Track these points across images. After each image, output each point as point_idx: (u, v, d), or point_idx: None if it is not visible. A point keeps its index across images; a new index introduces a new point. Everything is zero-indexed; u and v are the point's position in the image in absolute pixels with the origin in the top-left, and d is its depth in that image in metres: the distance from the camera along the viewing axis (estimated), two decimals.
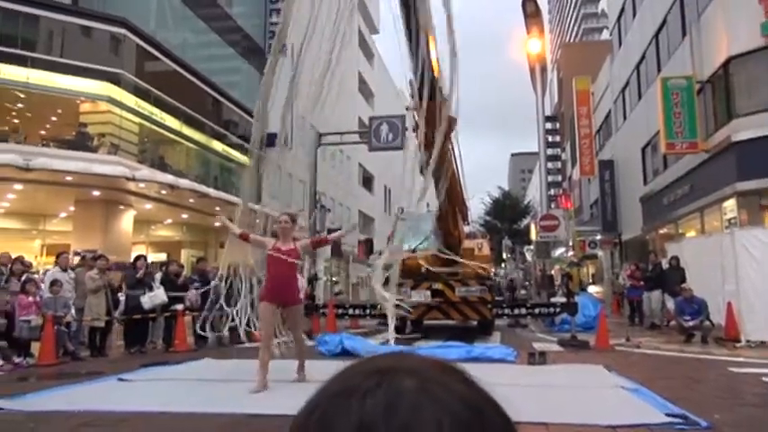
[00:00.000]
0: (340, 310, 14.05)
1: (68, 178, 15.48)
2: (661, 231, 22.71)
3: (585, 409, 5.32)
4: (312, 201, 21.76)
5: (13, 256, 10.44)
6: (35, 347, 9.33)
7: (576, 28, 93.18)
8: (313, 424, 0.48)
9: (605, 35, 49.15)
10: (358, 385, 0.49)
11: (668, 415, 4.86)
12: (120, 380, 7.22)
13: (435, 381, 0.49)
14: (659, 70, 21.42)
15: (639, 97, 24.94)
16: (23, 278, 9.79)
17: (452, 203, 13.19)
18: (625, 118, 28.08)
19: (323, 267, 26.26)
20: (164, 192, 17.75)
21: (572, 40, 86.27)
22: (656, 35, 22.49)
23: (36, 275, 11.05)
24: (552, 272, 26.78)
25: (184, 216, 21.81)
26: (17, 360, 8.80)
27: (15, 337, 9.10)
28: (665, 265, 14.54)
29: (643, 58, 24.36)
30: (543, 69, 25.39)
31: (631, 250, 27.38)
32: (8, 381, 7.41)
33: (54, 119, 19.47)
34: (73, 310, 10.11)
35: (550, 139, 50.27)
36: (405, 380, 0.49)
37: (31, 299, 9.38)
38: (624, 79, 27.63)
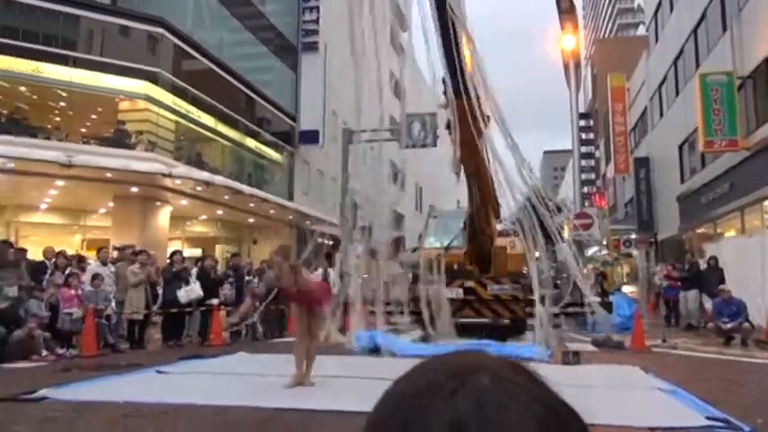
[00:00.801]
0: (372, 307, 14.09)
1: (108, 175, 15.85)
2: (699, 231, 22.22)
3: (622, 410, 5.24)
4: (343, 198, 21.83)
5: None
6: (77, 339, 9.63)
7: (610, 23, 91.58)
8: (398, 423, 0.48)
9: (641, 30, 48.25)
10: (442, 385, 0.49)
11: (709, 418, 4.76)
12: (159, 372, 7.38)
13: (511, 380, 0.50)
14: (698, 66, 20.94)
15: (677, 94, 24.42)
16: (67, 271, 10.09)
17: (485, 201, 13.14)
18: (662, 115, 27.53)
19: (354, 264, 26.30)
20: (199, 188, 18.04)
21: (607, 36, 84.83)
22: (695, 30, 21.98)
23: (89, 264, 11.32)
24: (586, 271, 26.41)
25: (219, 212, 22.15)
26: (60, 351, 9.08)
27: (59, 329, 9.40)
28: (702, 265, 14.25)
29: (681, 53, 23.84)
30: (577, 66, 25.08)
31: (667, 250, 26.86)
32: (52, 371, 7.64)
33: (94, 117, 19.96)
34: (113, 303, 10.39)
35: (584, 136, 49.61)
36: (486, 379, 0.49)
37: (72, 292, 9.67)
38: (661, 75, 27.08)
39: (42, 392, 5.73)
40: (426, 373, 0.52)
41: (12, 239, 14.71)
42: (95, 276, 10.19)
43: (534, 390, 0.50)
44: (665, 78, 26.59)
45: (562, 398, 0.52)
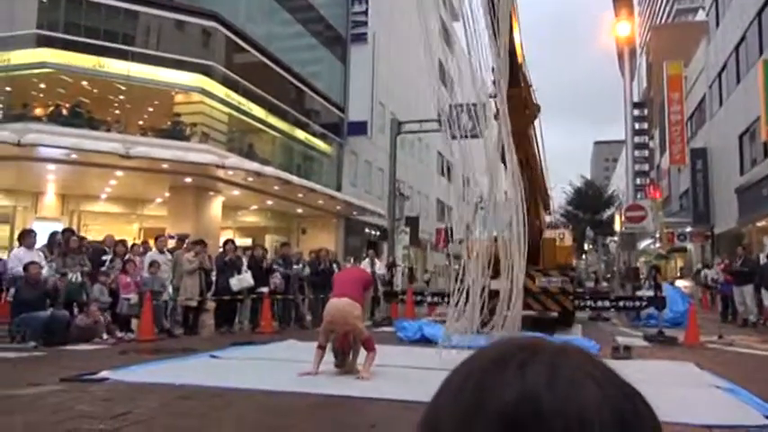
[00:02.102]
0: (418, 297, 14.16)
1: (164, 166, 16.34)
2: (759, 224, 21.35)
3: (677, 406, 5.11)
4: (391, 189, 21.92)
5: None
6: (135, 324, 10.03)
7: (667, 9, 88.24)
8: (471, 388, 0.48)
9: (700, 16, 46.38)
10: (513, 356, 0.49)
11: None
12: (212, 357, 7.61)
13: (581, 359, 0.50)
14: (761, 52, 20.04)
15: (738, 81, 23.44)
16: (126, 258, 10.51)
17: (534, 192, 12.98)
18: (721, 104, 26.49)
19: (401, 255, 26.45)
20: (250, 179, 18.39)
21: (663, 22, 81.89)
22: (759, 14, 21.02)
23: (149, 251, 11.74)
24: (637, 264, 25.80)
25: (269, 202, 22.54)
26: (120, 334, 9.47)
27: (118, 314, 9.82)
28: (762, 259, 13.72)
29: (743, 39, 22.85)
30: (632, 53, 24.38)
31: (725, 244, 25.91)
32: (112, 354, 7.97)
33: (151, 109, 20.61)
34: (170, 290, 10.76)
35: (637, 126, 48.16)
36: (556, 355, 0.49)
37: (129, 279, 10.07)
38: (721, 62, 26.03)
39: (103, 374, 6.00)
40: (496, 348, 0.52)
41: (74, 228, 15.40)
42: (152, 263, 10.57)
43: (605, 371, 0.50)
44: (725, 65, 25.55)
45: (635, 387, 0.51)
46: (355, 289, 6.59)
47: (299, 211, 24.58)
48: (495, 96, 10.77)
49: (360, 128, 28.37)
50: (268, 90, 22.35)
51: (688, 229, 28.52)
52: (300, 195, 21.50)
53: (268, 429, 4.21)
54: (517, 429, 0.45)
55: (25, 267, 8.80)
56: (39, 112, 18.50)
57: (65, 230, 11.06)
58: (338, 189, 26.17)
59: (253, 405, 5.04)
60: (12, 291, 9.09)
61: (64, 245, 9.90)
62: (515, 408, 0.45)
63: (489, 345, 0.53)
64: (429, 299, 14.15)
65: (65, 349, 8.26)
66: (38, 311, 8.54)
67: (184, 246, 11.72)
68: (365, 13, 28.99)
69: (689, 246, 29.67)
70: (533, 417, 0.45)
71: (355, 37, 29.10)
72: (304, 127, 25.88)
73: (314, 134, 26.74)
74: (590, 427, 0.44)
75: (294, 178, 20.35)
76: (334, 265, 13.78)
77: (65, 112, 18.19)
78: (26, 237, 9.58)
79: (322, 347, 6.39)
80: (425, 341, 9.44)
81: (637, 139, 44.93)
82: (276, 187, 19.86)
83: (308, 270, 13.04)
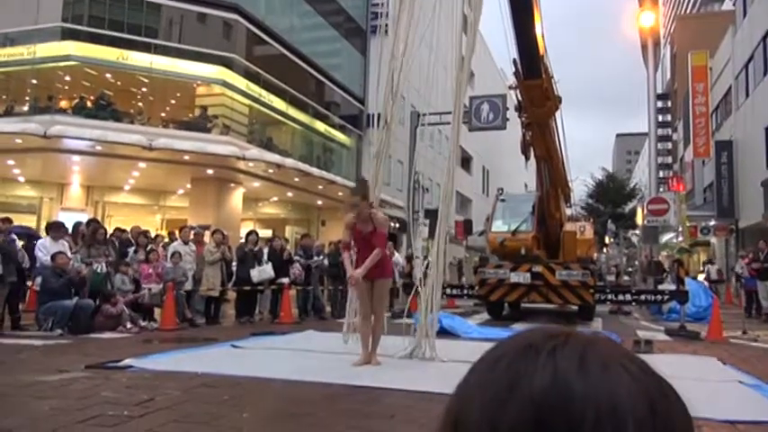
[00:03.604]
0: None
1: (186, 157, 16.51)
2: None
3: (700, 401, 5.03)
4: (410, 181, 21.88)
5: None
6: (158, 313, 10.19)
7: None
8: (501, 373, 0.48)
9: (726, 5, 45.43)
10: (544, 343, 0.49)
11: None
12: (233, 346, 7.70)
13: (611, 347, 0.49)
14: None
15: (765, 72, 22.96)
16: (148, 248, 10.68)
17: (554, 185, 12.90)
18: (747, 95, 25.97)
19: (420, 246, 26.42)
20: (270, 171, 18.51)
21: (688, 12, 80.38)
22: None
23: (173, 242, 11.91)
24: (660, 258, 25.50)
25: (289, 194, 22.67)
26: (143, 324, 9.63)
27: (140, 303, 9.98)
28: None
29: None
30: (656, 44, 23.99)
31: (750, 238, 25.48)
32: (136, 342, 8.11)
33: (173, 102, 20.82)
34: (191, 280, 10.90)
35: (661, 118, 47.46)
36: (586, 343, 0.49)
37: (151, 270, 10.22)
38: (748, 53, 25.51)
39: (127, 361, 6.11)
40: (526, 336, 0.51)
41: (99, 218, 15.64)
42: (174, 254, 10.72)
43: (637, 361, 0.49)
44: (752, 56, 25.04)
45: (667, 380, 0.50)
46: None
47: (319, 202, 24.69)
48: (515, 88, 10.71)
49: (379, 120, 28.34)
50: (288, 82, 22.44)
51: (712, 223, 28.08)
52: (320, 187, 21.59)
53: (288, 417, 4.27)
54: (548, 415, 0.44)
55: (52, 257, 8.98)
56: (64, 104, 18.81)
57: (90, 221, 11.25)
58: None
59: (272, 394, 5.10)
60: (38, 280, 9.28)
61: (89, 235, 10.07)
62: (547, 393, 0.45)
63: (518, 333, 0.53)
64: (448, 291, 14.15)
65: (89, 337, 8.43)
66: (63, 300, 8.72)
67: (196, 237, 11.88)
68: (385, 4, 28.89)
69: (712, 239, 29.23)
70: (565, 403, 0.44)
71: (375, 28, 29.03)
72: (324, 119, 25.94)
73: (333, 126, 26.80)
74: (622, 415, 0.44)
75: (314, 170, 20.43)
76: None
77: (89, 104, 18.45)
78: (54, 228, 9.75)
79: (347, 247, 6.57)
80: (444, 332, 9.45)
81: (660, 132, 44.29)
82: (296, 179, 19.97)
83: (327, 261, 13.12)
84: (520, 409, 0.45)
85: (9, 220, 9.48)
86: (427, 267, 7.35)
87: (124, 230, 11.71)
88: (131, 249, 10.81)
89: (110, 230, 11.61)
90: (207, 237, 12.14)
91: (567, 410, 0.44)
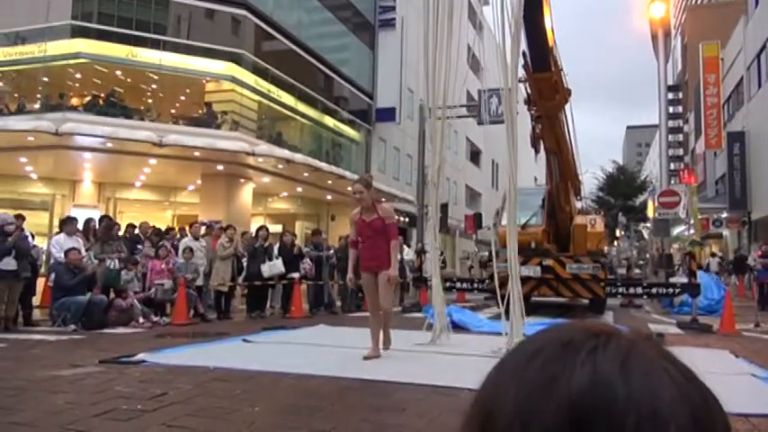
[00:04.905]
0: (447, 284, 14.16)
1: (196, 153, 16.57)
2: None
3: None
4: (420, 175, 21.88)
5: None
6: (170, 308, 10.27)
7: None
8: (537, 371, 0.46)
9: None
10: (584, 341, 0.47)
11: None
12: (245, 341, 7.75)
13: (656, 351, 0.48)
14: None
15: None
16: (160, 244, 10.75)
17: (565, 178, 12.85)
18: (760, 86, 25.71)
19: (430, 241, 26.41)
20: (280, 166, 18.54)
21: (699, 2, 79.56)
22: None
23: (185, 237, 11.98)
24: (671, 251, 25.35)
25: (299, 189, 22.69)
26: (155, 319, 9.72)
27: (152, 298, 10.06)
28: None
29: None
30: (666, 35, 23.76)
31: (762, 230, 25.28)
32: (148, 337, 8.19)
33: (183, 98, 20.89)
34: (202, 275, 10.98)
35: (671, 110, 47.10)
36: (629, 346, 0.47)
37: (164, 266, 10.30)
38: (760, 43, 25.23)
39: (140, 356, 6.17)
40: (563, 331, 0.49)
41: (110, 215, 15.76)
42: (185, 249, 10.80)
43: (678, 364, 0.48)
44: (764, 46, 24.77)
45: (700, 378, 0.49)
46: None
47: (329, 197, 24.71)
48: (524, 81, 10.66)
49: (388, 114, 28.30)
50: (297, 77, 22.45)
51: (724, 215, 27.87)
52: (329, 182, 21.60)
53: (299, 411, 4.30)
54: (586, 416, 0.43)
55: (65, 253, 9.07)
56: (75, 101, 18.92)
57: (102, 217, 11.35)
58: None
59: (284, 387, 5.13)
60: (53, 276, 9.38)
61: (102, 232, 10.16)
62: (586, 394, 0.43)
63: (555, 327, 0.51)
64: (458, 285, 14.16)
65: (103, 333, 8.52)
66: (77, 296, 8.80)
67: (214, 232, 11.93)
68: None
69: (724, 232, 29.02)
70: (605, 405, 0.43)
71: (383, 22, 28.95)
72: (333, 114, 25.94)
73: (342, 121, 26.79)
74: (663, 421, 0.43)
75: (323, 165, 20.44)
76: None
77: (100, 101, 18.56)
78: (68, 224, 9.84)
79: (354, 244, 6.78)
80: (454, 327, 9.46)
81: (671, 123, 43.93)
82: (306, 174, 19.99)
83: (336, 256, 13.16)
84: (557, 408, 0.44)
85: (22, 217, 9.58)
86: (444, 262, 7.50)
87: (135, 226, 11.80)
88: (141, 246, 10.89)
89: (123, 227, 11.70)
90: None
91: (606, 413, 0.43)
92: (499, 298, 7.57)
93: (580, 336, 0.48)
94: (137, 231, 11.53)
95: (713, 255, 21.66)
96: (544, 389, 0.45)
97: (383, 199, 7.05)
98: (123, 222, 12.76)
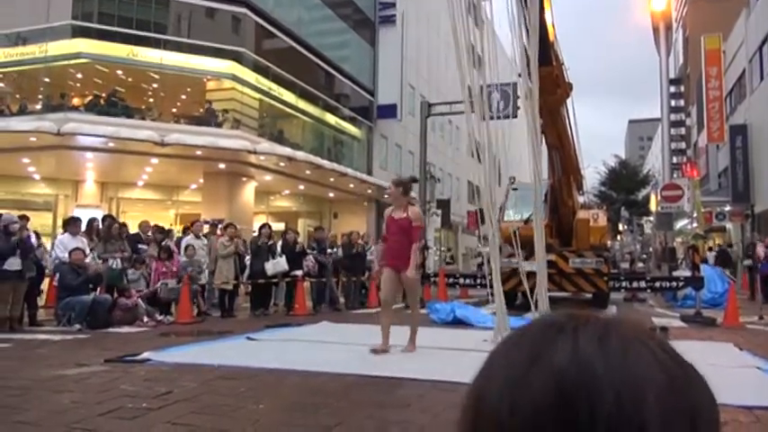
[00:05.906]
0: (451, 279, 14.17)
1: (198, 152, 16.59)
2: None
3: (716, 387, 5.01)
4: (422, 171, 21.89)
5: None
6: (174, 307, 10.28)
7: None
8: (524, 346, 0.49)
9: None
10: (567, 322, 0.50)
11: None
12: (249, 339, 7.75)
13: (636, 329, 0.50)
14: None
15: None
16: (163, 244, 10.77)
17: (567, 172, 12.82)
18: (762, 78, 25.62)
19: (433, 237, 26.42)
20: (282, 164, 18.56)
21: None
22: None
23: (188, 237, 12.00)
24: (674, 244, 25.31)
25: (301, 187, 22.72)
26: (159, 318, 9.74)
27: (157, 297, 10.08)
28: None
29: None
30: (668, 28, 23.72)
31: (766, 223, 25.23)
32: (153, 336, 8.20)
33: (184, 97, 20.90)
34: (206, 273, 11.00)
35: (673, 103, 46.96)
36: (610, 324, 0.50)
37: (164, 269, 10.32)
38: (762, 35, 25.13)
39: (145, 355, 6.18)
40: (547, 318, 0.52)
41: (113, 214, 15.79)
42: (188, 247, 10.82)
43: (658, 341, 0.49)
44: (766, 38, 24.68)
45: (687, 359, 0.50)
46: None
47: (331, 195, 24.73)
48: (527, 76, 10.62)
49: (389, 111, 28.29)
50: (298, 75, 22.44)
51: (727, 208, 27.80)
52: (332, 179, 21.62)
53: (304, 407, 4.31)
54: (569, 392, 0.45)
55: (69, 253, 9.09)
56: (76, 101, 18.95)
57: (105, 217, 11.36)
58: (369, 173, 26.21)
59: (289, 385, 5.14)
60: (58, 276, 9.41)
61: (105, 231, 10.18)
62: (568, 367, 0.46)
63: (538, 317, 0.54)
64: (461, 281, 14.15)
65: (107, 332, 8.53)
66: (81, 295, 8.83)
67: (218, 231, 11.94)
68: None
69: (728, 225, 28.94)
70: (586, 380, 0.45)
71: (384, 19, 28.91)
72: (334, 111, 25.93)
73: (344, 118, 26.78)
74: (642, 392, 0.45)
75: (325, 162, 20.45)
76: (366, 249, 13.86)
77: (102, 101, 18.58)
78: (72, 224, 9.86)
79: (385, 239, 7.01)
80: (458, 323, 9.48)
81: (673, 117, 43.85)
82: (308, 172, 20.01)
83: (340, 253, 13.17)
84: (541, 382, 0.46)
85: (26, 218, 9.60)
86: (451, 258, 7.58)
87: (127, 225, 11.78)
88: (144, 245, 10.90)
89: (129, 227, 11.70)
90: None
91: (587, 389, 0.45)
92: (499, 294, 7.56)
93: (563, 319, 0.51)
94: (137, 232, 11.54)
95: (710, 249, 21.64)
96: (528, 366, 0.47)
97: (415, 201, 7.19)
98: (127, 222, 12.78)
